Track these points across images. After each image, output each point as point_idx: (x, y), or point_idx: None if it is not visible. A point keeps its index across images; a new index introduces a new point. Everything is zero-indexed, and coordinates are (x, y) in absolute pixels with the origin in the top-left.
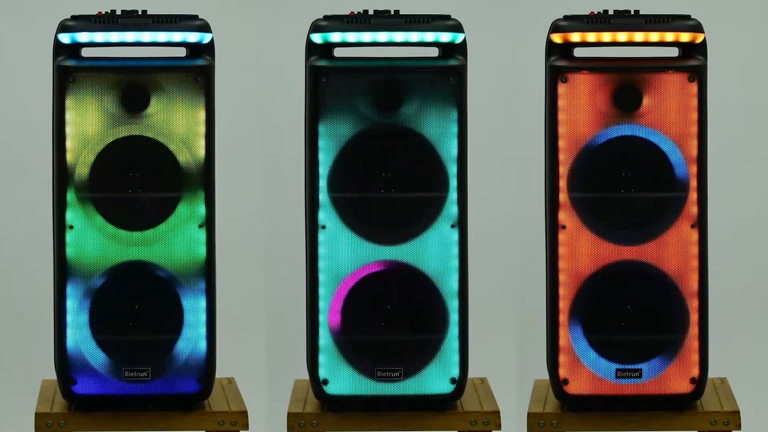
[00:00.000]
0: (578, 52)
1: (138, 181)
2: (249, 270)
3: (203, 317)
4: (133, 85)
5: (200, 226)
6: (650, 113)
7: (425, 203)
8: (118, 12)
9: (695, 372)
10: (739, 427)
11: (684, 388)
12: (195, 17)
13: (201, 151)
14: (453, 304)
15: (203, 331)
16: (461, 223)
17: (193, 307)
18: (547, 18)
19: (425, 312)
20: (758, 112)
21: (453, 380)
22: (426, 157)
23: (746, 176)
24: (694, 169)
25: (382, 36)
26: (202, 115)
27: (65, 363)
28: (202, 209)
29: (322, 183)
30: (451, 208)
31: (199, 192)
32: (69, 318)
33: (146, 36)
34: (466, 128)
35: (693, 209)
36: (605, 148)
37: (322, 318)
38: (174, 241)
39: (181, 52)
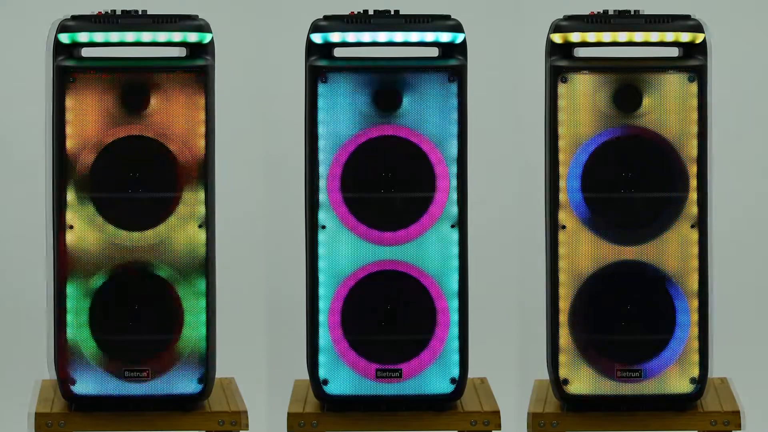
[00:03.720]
0: (578, 52)
1: (138, 181)
2: (249, 270)
3: (203, 317)
4: (132, 85)
5: (200, 226)
6: (650, 113)
7: (428, 203)
8: (118, 12)
9: (696, 372)
10: (739, 427)
11: (684, 388)
12: (195, 17)
13: (201, 151)
14: (453, 304)
15: (203, 331)
16: (461, 223)
17: (193, 307)
18: (547, 18)
19: (424, 312)
20: (759, 112)
21: (453, 380)
22: (429, 156)
23: (747, 176)
24: (694, 169)
25: (382, 36)
26: (201, 115)
27: (65, 363)
28: (202, 209)
29: (322, 183)
30: (452, 208)
31: (199, 192)
32: (69, 318)
33: (146, 36)
34: (466, 128)
35: (693, 209)
36: (605, 148)
37: (322, 318)
38: (174, 241)
39: (181, 52)
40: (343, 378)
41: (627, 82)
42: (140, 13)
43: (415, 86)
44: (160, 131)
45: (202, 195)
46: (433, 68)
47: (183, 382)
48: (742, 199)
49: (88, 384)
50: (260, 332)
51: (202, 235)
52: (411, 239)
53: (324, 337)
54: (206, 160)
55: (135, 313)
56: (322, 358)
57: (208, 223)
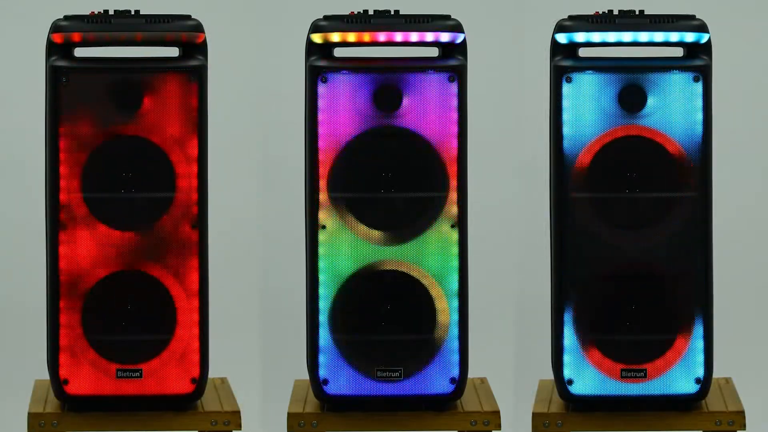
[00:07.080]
0: (582, 52)
1: (131, 181)
2: (248, 271)
3: (196, 317)
4: (126, 85)
5: (193, 227)
6: (655, 113)
7: (425, 203)
8: (111, 12)
9: (700, 372)
10: (743, 427)
11: (689, 388)
12: (188, 17)
13: (194, 151)
14: (453, 304)
15: (196, 331)
16: (461, 223)
17: (187, 307)
18: (548, 18)
19: (424, 312)
20: (759, 112)
21: (453, 380)
22: (426, 157)
23: (747, 176)
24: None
25: (381, 36)
26: (195, 115)
27: (58, 363)
28: (195, 209)
29: (322, 183)
30: (451, 208)
31: (194, 192)
32: (62, 318)
33: (139, 36)
34: (466, 128)
35: (694, 209)
36: (610, 148)
37: (322, 318)
38: (168, 241)
39: (174, 52)
40: (343, 378)
41: (630, 82)
42: (133, 13)
43: (415, 86)
44: (153, 131)
45: (196, 195)
46: (433, 68)
47: (176, 382)
48: (742, 199)
49: (81, 384)
50: (255, 332)
51: (196, 235)
52: (411, 239)
53: (324, 337)
54: (200, 160)
55: (128, 313)
56: (322, 358)
57: (201, 223)
